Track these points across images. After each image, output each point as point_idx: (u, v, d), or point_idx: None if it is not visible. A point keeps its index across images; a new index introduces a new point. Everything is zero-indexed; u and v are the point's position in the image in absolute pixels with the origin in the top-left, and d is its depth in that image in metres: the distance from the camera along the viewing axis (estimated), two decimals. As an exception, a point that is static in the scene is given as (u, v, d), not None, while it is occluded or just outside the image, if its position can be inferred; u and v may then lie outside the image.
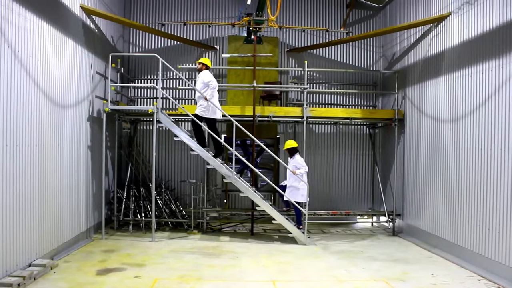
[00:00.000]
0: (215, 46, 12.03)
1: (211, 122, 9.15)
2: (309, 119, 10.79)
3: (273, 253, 8.37)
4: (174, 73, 11.47)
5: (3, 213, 5.77)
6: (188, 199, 11.02)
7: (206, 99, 8.95)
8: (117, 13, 10.86)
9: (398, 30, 10.47)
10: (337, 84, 12.28)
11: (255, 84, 10.24)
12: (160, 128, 10.03)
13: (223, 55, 11.96)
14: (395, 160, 10.80)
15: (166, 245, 8.75)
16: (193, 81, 11.38)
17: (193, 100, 11.49)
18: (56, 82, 7.43)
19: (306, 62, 10.64)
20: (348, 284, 6.51)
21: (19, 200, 6.19)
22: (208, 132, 9.22)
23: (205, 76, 9.12)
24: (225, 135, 11.33)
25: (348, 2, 12.20)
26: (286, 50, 12.19)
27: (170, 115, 9.53)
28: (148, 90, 11.98)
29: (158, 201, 10.55)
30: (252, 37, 10.44)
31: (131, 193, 10.50)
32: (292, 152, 9.67)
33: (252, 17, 10.13)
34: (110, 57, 9.30)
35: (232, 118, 9.30)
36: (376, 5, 12.28)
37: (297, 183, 9.37)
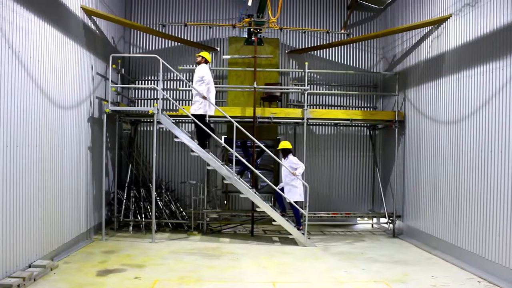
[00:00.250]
0: (216, 47, 12.04)
1: (202, 117, 9.17)
2: (310, 121, 10.79)
3: (273, 255, 8.37)
4: (175, 74, 11.49)
5: (3, 214, 5.77)
6: (188, 200, 11.02)
7: (204, 98, 8.94)
8: (118, 14, 10.87)
9: (398, 32, 10.48)
10: (338, 86, 12.28)
11: (255, 86, 10.24)
12: (161, 129, 10.05)
13: (224, 56, 11.97)
14: (396, 162, 10.80)
15: (166, 246, 8.74)
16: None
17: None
18: (56, 83, 7.43)
19: (306, 63, 10.64)
20: (348, 286, 6.50)
21: (19, 200, 6.19)
22: (196, 124, 9.18)
23: (201, 71, 9.13)
24: (226, 136, 11.34)
25: (348, 4, 12.21)
26: (286, 51, 12.20)
27: (170, 116, 9.54)
28: (149, 91, 11.99)
29: (158, 202, 10.54)
30: (253, 38, 10.45)
31: (131, 194, 10.51)
32: (285, 153, 9.69)
33: (252, 19, 10.13)
34: (110, 58, 9.31)
35: (232, 119, 9.31)
36: (377, 6, 12.29)
37: (294, 181, 9.38)
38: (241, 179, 9.60)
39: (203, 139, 9.23)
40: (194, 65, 9.94)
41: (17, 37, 6.10)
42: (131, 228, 10.06)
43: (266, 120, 10.56)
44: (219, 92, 12.04)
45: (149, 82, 12.02)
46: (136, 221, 10.18)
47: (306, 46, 12.20)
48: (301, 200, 9.47)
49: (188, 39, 11.92)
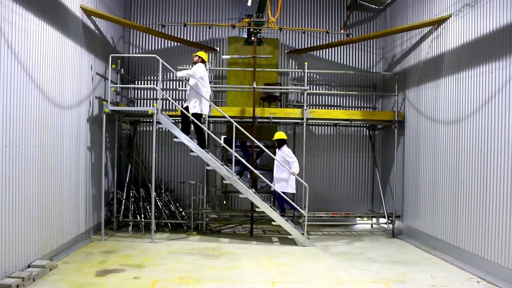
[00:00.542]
0: (215, 48, 12.04)
1: (198, 116, 9.17)
2: (309, 121, 10.79)
3: (272, 255, 8.37)
4: (174, 74, 11.45)
5: (2, 214, 5.76)
6: (188, 200, 11.01)
7: (204, 98, 8.95)
8: (117, 14, 10.87)
9: (398, 32, 10.48)
10: (337, 86, 12.28)
11: (255, 86, 10.24)
12: (160, 129, 10.04)
13: (223, 57, 11.97)
14: (395, 162, 10.80)
15: (165, 246, 8.74)
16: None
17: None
18: (56, 83, 7.43)
19: (306, 63, 10.65)
20: (348, 286, 6.50)
21: (18, 201, 6.18)
22: (193, 123, 9.17)
23: (195, 68, 9.15)
24: (225, 136, 11.33)
25: (348, 4, 12.21)
26: (286, 51, 12.20)
27: (170, 116, 9.52)
28: (148, 91, 11.99)
29: (158, 202, 10.54)
30: (252, 38, 10.46)
31: (131, 194, 10.50)
32: (280, 143, 9.71)
33: (252, 19, 10.14)
34: (110, 58, 9.30)
35: (232, 119, 9.31)
36: (377, 7, 12.30)
37: (285, 174, 9.41)
38: (240, 179, 9.60)
39: (202, 139, 9.22)
40: (191, 65, 9.94)
41: (17, 37, 6.09)
42: (130, 228, 10.06)
43: (266, 120, 10.57)
44: (219, 92, 12.05)
45: (149, 82, 12.02)
46: (136, 221, 10.18)
47: (306, 46, 12.19)
48: (293, 192, 9.55)
49: (188, 39, 11.92)
